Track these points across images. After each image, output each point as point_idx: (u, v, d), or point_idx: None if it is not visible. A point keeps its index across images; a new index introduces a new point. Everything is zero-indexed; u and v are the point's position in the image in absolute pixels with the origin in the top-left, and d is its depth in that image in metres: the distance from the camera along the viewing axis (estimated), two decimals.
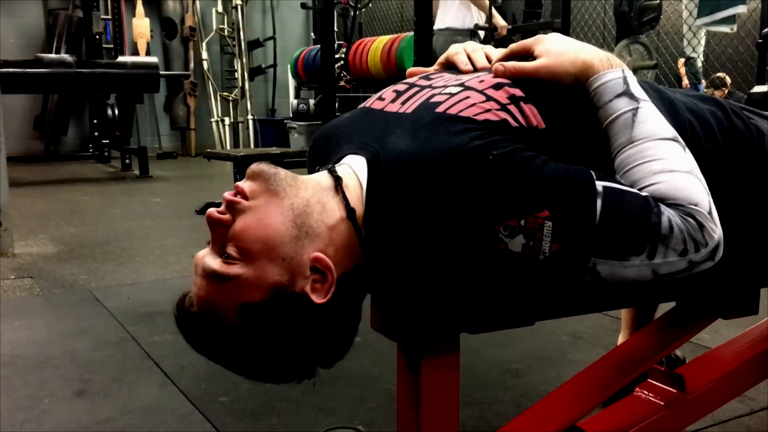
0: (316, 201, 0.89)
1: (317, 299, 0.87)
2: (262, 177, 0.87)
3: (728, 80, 6.50)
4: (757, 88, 3.32)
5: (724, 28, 4.75)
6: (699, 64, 7.15)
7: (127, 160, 6.87)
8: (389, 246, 0.92)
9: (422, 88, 1.02)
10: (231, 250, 0.85)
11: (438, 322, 0.96)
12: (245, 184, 0.87)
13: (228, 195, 0.87)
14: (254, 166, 0.88)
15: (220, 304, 0.86)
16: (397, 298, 0.99)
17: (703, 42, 6.50)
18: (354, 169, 0.94)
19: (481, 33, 4.63)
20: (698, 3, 4.44)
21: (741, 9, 4.24)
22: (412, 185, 0.87)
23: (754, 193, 1.08)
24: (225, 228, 0.85)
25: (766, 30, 3.57)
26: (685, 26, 5.49)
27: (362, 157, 0.94)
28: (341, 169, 0.95)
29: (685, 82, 7.25)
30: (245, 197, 0.86)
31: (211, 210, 0.86)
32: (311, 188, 0.90)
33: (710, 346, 1.85)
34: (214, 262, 0.85)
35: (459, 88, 0.96)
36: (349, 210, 0.90)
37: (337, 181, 0.92)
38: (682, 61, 7.12)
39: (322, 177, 0.93)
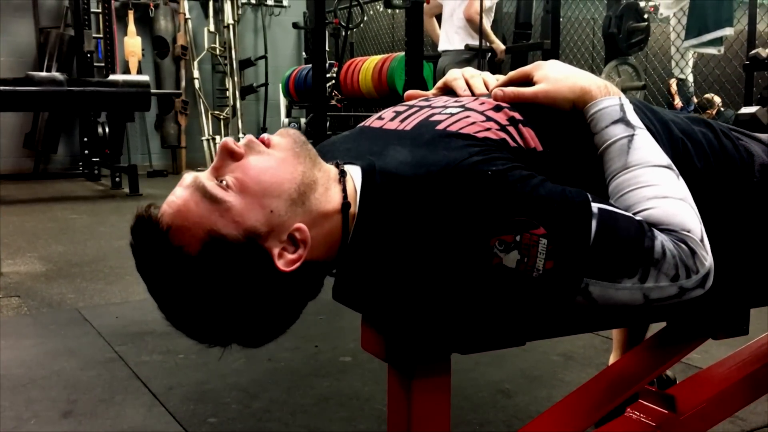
0: (323, 184, 0.90)
1: (280, 265, 0.85)
2: (291, 137, 0.90)
3: (717, 100, 6.59)
4: (745, 109, 3.36)
5: (712, 50, 4.82)
6: (690, 83, 7.26)
7: (117, 179, 6.84)
8: (379, 256, 0.93)
9: (422, 108, 1.04)
10: (230, 178, 0.85)
11: (429, 341, 0.95)
12: (272, 137, 0.89)
13: (251, 136, 0.88)
14: (288, 128, 0.91)
15: (191, 222, 0.83)
16: (388, 315, 0.99)
17: (690, 63, 6.59)
18: (351, 174, 0.95)
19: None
20: (686, 25, 4.49)
21: (728, 31, 4.31)
22: (407, 196, 0.88)
23: (743, 213, 1.09)
24: (233, 161, 0.86)
25: (752, 52, 3.62)
26: (673, 48, 5.56)
27: (357, 166, 0.95)
28: None
29: (677, 101, 7.35)
30: (267, 146, 0.88)
31: (229, 139, 0.86)
32: (324, 171, 0.92)
33: (701, 366, 1.85)
34: (208, 182, 0.85)
35: (459, 109, 0.98)
36: (345, 203, 0.90)
37: (342, 174, 0.93)
38: (673, 81, 7.22)
39: (331, 167, 0.94)
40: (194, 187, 0.85)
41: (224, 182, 0.85)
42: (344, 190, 0.91)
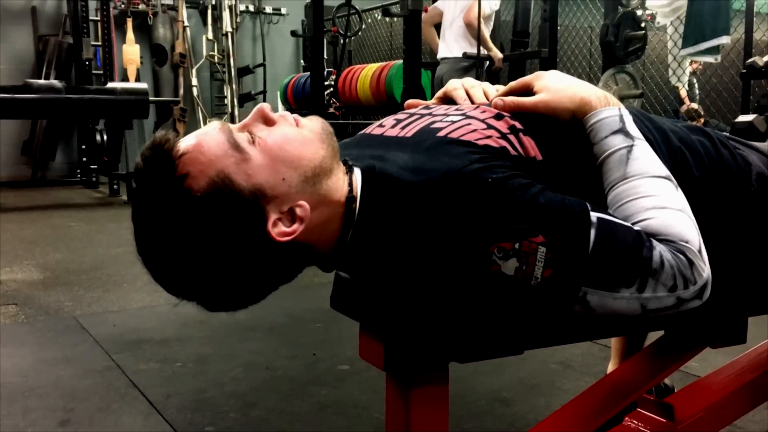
0: (336, 174, 0.92)
1: (271, 230, 0.85)
2: (321, 124, 0.93)
3: (701, 110, 6.67)
4: (742, 118, 3.37)
5: (708, 59, 4.83)
6: (696, 90, 7.36)
7: (115, 186, 6.84)
8: (377, 260, 0.93)
9: (422, 116, 1.05)
10: (258, 137, 0.88)
11: (427, 350, 0.95)
12: (302, 118, 0.92)
13: (286, 112, 0.92)
14: (318, 117, 0.94)
15: (207, 156, 0.84)
16: (386, 322, 0.99)
17: (687, 71, 6.62)
18: (354, 174, 0.95)
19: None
20: (683, 33, 4.51)
21: (725, 40, 4.32)
22: (407, 201, 0.88)
23: (741, 222, 1.09)
24: (264, 125, 0.90)
25: (749, 61, 3.63)
26: (670, 56, 5.58)
27: (358, 167, 0.96)
28: None
29: (687, 105, 7.43)
30: (297, 125, 0.91)
31: (266, 105, 0.91)
32: (340, 165, 0.93)
33: (699, 374, 1.85)
34: (236, 131, 0.88)
35: (460, 117, 0.99)
36: (350, 197, 0.91)
37: (350, 169, 0.94)
38: (681, 85, 7.29)
39: (342, 163, 0.96)
40: (222, 129, 0.87)
41: (251, 137, 0.87)
42: (351, 184, 0.92)
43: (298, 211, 0.87)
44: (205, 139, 0.86)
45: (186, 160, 0.84)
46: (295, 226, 0.87)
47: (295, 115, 0.93)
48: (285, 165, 0.87)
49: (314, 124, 0.92)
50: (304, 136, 0.90)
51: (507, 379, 2.04)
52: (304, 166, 0.88)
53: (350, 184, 0.92)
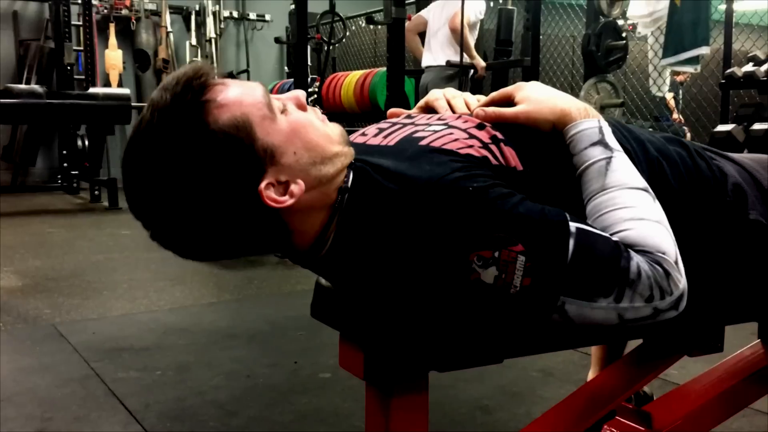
0: (340, 169, 0.93)
1: (262, 190, 0.86)
2: (341, 130, 0.97)
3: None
4: (721, 127, 3.41)
5: (688, 69, 4.88)
6: (680, 100, 7.46)
7: (96, 192, 6.78)
8: (357, 265, 0.94)
9: (405, 125, 1.06)
10: (288, 110, 0.92)
11: (407, 359, 0.95)
12: (328, 121, 0.98)
13: (317, 108, 0.99)
14: (339, 125, 0.99)
15: (239, 95, 0.87)
16: (366, 329, 0.99)
17: (667, 81, 6.69)
18: None
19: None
20: (663, 44, 4.56)
21: (704, 50, 4.36)
22: (388, 208, 0.89)
23: (717, 232, 1.11)
24: (295, 107, 0.93)
25: (728, 71, 3.68)
26: (650, 66, 5.63)
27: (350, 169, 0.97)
28: None
29: (675, 116, 7.53)
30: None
31: (303, 93, 0.96)
32: (344, 168, 0.94)
33: (678, 382, 1.87)
34: (274, 98, 0.92)
35: (443, 126, 1.00)
36: (344, 187, 0.92)
37: (349, 168, 0.96)
38: (670, 95, 7.38)
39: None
40: (262, 86, 0.92)
41: (283, 107, 0.91)
42: (346, 176, 0.94)
43: (293, 187, 0.88)
44: (245, 84, 0.91)
45: (220, 89, 0.88)
46: (285, 198, 0.88)
47: (324, 115, 0.97)
48: (301, 142, 0.90)
49: (337, 127, 0.97)
50: (325, 130, 0.94)
51: (488, 387, 2.05)
52: (317, 153, 0.91)
53: (346, 176, 0.94)
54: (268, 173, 0.87)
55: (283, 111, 0.91)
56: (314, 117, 0.95)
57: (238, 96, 0.88)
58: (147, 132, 0.86)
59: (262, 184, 0.87)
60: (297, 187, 0.88)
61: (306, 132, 0.91)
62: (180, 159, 0.85)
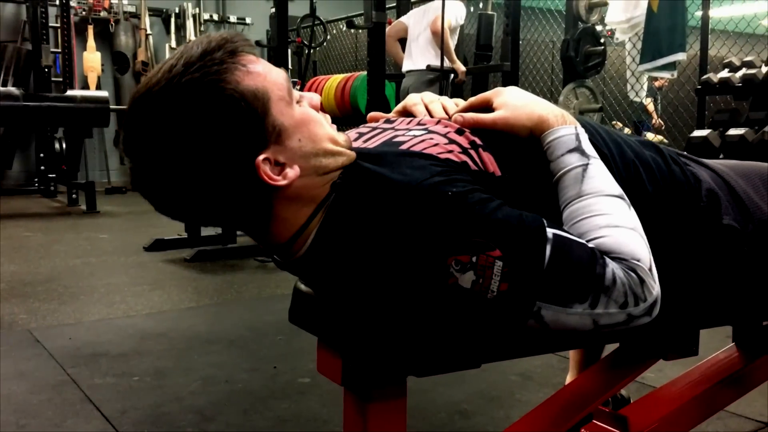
0: (336, 168, 0.94)
1: (260, 162, 0.86)
2: (348, 137, 0.99)
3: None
4: (697, 133, 3.45)
5: (665, 74, 4.94)
6: (658, 105, 7.58)
7: (74, 195, 6.71)
8: (336, 268, 0.93)
9: (385, 129, 1.06)
10: (304, 103, 0.94)
11: (385, 363, 0.95)
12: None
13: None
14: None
15: (263, 74, 0.88)
16: (343, 333, 0.99)
17: (645, 87, 6.77)
18: None
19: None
20: (640, 50, 4.61)
21: (681, 56, 4.42)
22: (367, 212, 0.89)
23: (691, 237, 1.12)
24: (314, 105, 0.96)
25: (704, 77, 3.72)
26: (628, 72, 5.69)
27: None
28: None
29: (655, 120, 7.62)
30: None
31: (318, 96, 0.97)
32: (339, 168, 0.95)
33: (655, 385, 1.88)
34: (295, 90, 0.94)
35: (423, 131, 1.01)
36: (336, 184, 0.93)
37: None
38: (648, 100, 7.46)
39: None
40: (285, 74, 0.93)
41: (300, 99, 0.94)
42: (341, 177, 0.94)
43: (288, 170, 0.89)
44: (273, 66, 0.92)
45: (251, 59, 0.89)
46: (278, 177, 0.88)
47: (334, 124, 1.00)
48: (308, 133, 0.91)
49: (344, 134, 0.99)
50: (332, 132, 0.96)
51: (467, 391, 2.05)
52: (320, 145, 0.92)
53: (341, 176, 0.94)
54: (269, 149, 0.88)
55: (299, 102, 0.93)
56: (324, 119, 0.97)
57: (264, 71, 0.89)
58: (169, 74, 0.85)
59: (260, 158, 0.87)
60: (292, 172, 0.89)
61: (314, 126, 0.93)
62: (191, 108, 0.84)
